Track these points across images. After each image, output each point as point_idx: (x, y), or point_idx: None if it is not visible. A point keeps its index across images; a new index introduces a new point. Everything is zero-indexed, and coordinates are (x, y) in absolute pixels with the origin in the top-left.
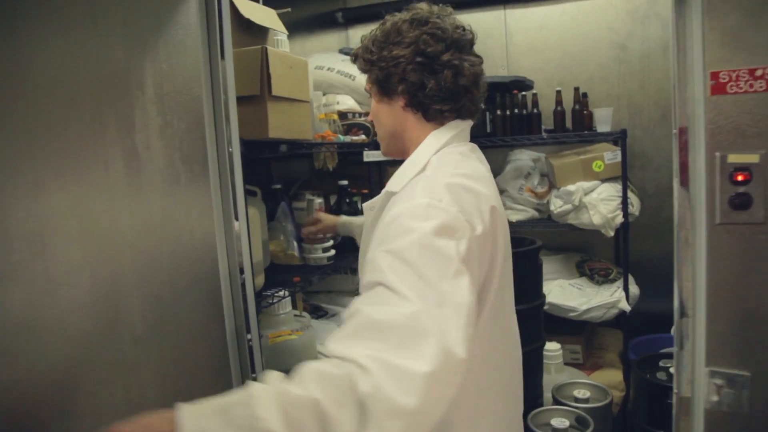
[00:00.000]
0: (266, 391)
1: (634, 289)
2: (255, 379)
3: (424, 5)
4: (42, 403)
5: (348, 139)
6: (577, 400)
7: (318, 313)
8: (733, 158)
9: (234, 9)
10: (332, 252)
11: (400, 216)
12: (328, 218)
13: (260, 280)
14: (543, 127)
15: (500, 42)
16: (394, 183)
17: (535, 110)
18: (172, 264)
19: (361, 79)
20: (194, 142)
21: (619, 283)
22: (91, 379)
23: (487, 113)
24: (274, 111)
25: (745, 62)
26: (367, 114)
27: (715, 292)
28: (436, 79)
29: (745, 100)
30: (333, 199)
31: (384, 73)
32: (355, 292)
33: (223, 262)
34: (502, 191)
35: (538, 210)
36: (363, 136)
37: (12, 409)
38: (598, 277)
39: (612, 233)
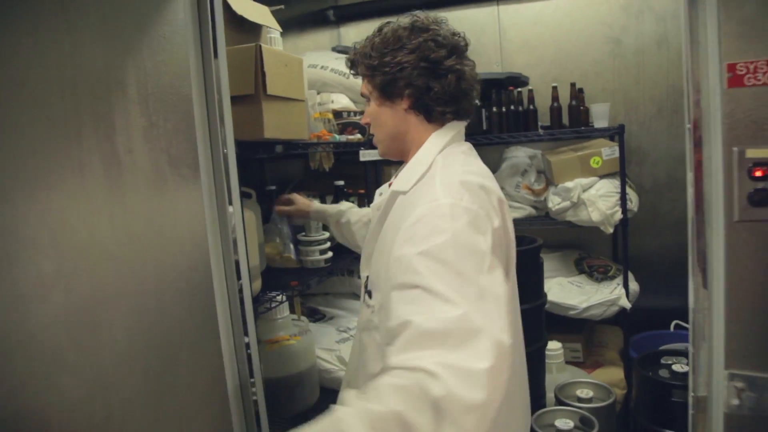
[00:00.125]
0: (351, 414)
1: (633, 285)
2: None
3: (420, 13)
4: (12, 427)
5: (344, 138)
6: (580, 399)
7: (315, 316)
8: (752, 153)
9: (226, 6)
10: (329, 254)
11: (426, 216)
12: (302, 202)
13: (257, 284)
14: (539, 123)
15: (494, 38)
16: (401, 183)
17: (531, 107)
18: (158, 274)
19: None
20: (183, 143)
21: (619, 280)
22: (67, 398)
23: (483, 110)
24: (270, 110)
25: (763, 53)
26: (362, 113)
27: (734, 291)
28: (441, 83)
29: (764, 92)
30: (329, 200)
31: (388, 77)
32: (353, 295)
33: (219, 268)
34: None
35: (535, 207)
36: (359, 135)
37: None
38: (598, 274)
39: (611, 230)
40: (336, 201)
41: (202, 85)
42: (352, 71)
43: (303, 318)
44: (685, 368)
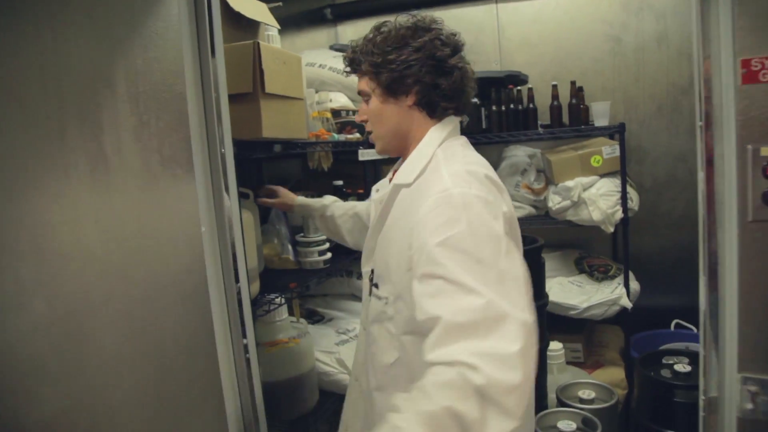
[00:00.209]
0: (407, 419)
1: (634, 285)
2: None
3: (418, 13)
4: None
5: (343, 137)
6: (582, 401)
7: (314, 317)
8: (767, 151)
9: (224, 2)
10: (328, 255)
11: (440, 206)
12: (287, 195)
13: (255, 287)
14: (539, 122)
15: (492, 37)
16: (403, 176)
17: (531, 105)
18: (149, 278)
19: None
20: (177, 143)
21: (620, 279)
22: (48, 411)
23: (482, 109)
24: (268, 109)
25: None
26: None
27: (747, 293)
28: (447, 79)
29: None
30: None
31: (395, 74)
32: (352, 296)
33: (216, 271)
34: None
35: (535, 207)
36: (357, 135)
37: None
38: (598, 273)
39: (612, 229)
40: None
41: (199, 83)
42: (348, 69)
43: (302, 320)
44: (687, 368)
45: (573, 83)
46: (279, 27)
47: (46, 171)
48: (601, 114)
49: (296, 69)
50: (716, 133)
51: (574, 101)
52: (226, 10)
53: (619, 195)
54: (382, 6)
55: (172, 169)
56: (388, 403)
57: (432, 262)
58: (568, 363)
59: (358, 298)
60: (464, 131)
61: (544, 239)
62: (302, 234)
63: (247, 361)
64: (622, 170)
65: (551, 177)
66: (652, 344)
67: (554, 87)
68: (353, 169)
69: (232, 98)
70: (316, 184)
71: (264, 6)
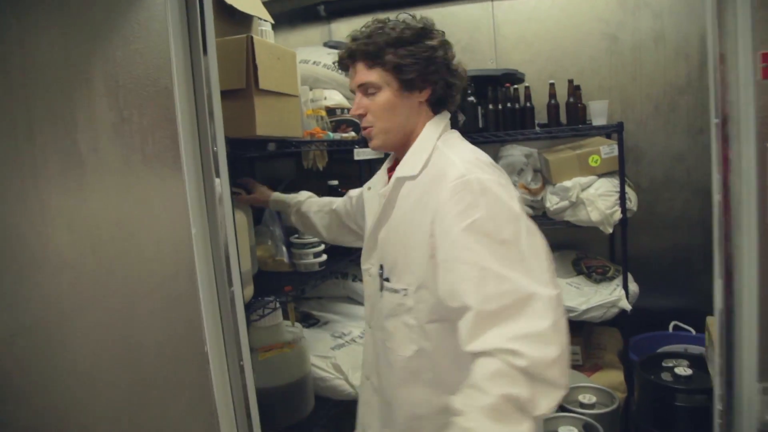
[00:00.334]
0: (473, 418)
1: (633, 286)
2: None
3: (416, 14)
4: None
5: (338, 136)
6: (582, 405)
7: (309, 321)
8: None
9: None
10: (324, 257)
11: (458, 193)
12: (263, 191)
13: (249, 290)
14: (536, 121)
15: (488, 34)
16: (407, 168)
17: (528, 104)
18: (128, 286)
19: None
20: (162, 140)
21: (618, 280)
22: (12, 429)
23: (479, 107)
24: (262, 106)
25: None
26: None
27: None
28: (455, 78)
29: None
30: None
31: (419, 69)
32: (348, 298)
33: (208, 275)
34: None
35: (531, 207)
36: (353, 133)
37: None
38: (596, 275)
39: (611, 230)
40: None
41: (189, 78)
42: (363, 59)
43: (297, 324)
44: (688, 371)
45: (570, 82)
46: (273, 21)
47: (11, 170)
48: (599, 113)
49: (291, 65)
50: (732, 131)
51: (571, 100)
52: (218, 3)
53: (617, 195)
54: (375, 3)
55: (157, 169)
56: (412, 397)
57: (457, 247)
58: None
59: (354, 301)
60: (461, 130)
61: None
62: (297, 235)
63: (241, 368)
64: (620, 170)
65: (548, 177)
66: (650, 346)
67: (551, 86)
68: (348, 168)
69: (224, 95)
70: (311, 184)
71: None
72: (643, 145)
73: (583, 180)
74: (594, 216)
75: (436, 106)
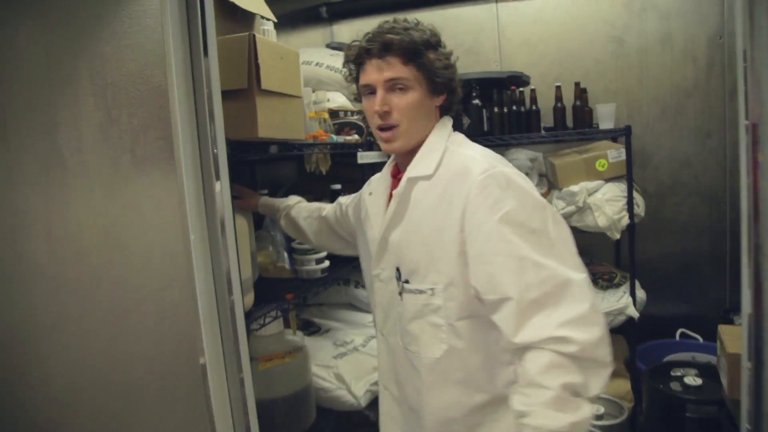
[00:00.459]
0: (542, 415)
1: (640, 293)
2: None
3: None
4: None
5: (341, 139)
6: None
7: (310, 329)
8: None
9: None
10: (326, 263)
11: (486, 187)
12: (252, 196)
13: (249, 299)
14: (542, 124)
15: (492, 37)
16: (420, 169)
17: (534, 107)
18: (114, 296)
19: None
20: (154, 142)
21: (625, 287)
22: None
23: (484, 111)
24: (264, 107)
25: None
26: (360, 112)
27: None
28: (460, 86)
29: None
30: None
31: (445, 74)
32: (349, 305)
33: (206, 283)
34: None
35: None
36: (356, 136)
37: None
38: (602, 281)
39: (618, 236)
40: None
41: (189, 76)
42: (384, 50)
43: (298, 332)
44: (698, 381)
45: (577, 84)
46: (275, 20)
47: None
48: (606, 116)
49: (294, 65)
50: (763, 134)
51: (578, 103)
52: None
53: (625, 200)
54: (378, 5)
55: (149, 171)
56: (442, 400)
57: (492, 239)
58: None
59: (357, 308)
60: (466, 133)
61: None
62: (299, 241)
63: (241, 381)
64: (628, 175)
65: (555, 181)
66: (657, 355)
67: (558, 88)
68: (351, 172)
69: (225, 95)
70: (313, 188)
71: None
72: (650, 149)
73: (590, 185)
74: (601, 221)
75: (447, 112)
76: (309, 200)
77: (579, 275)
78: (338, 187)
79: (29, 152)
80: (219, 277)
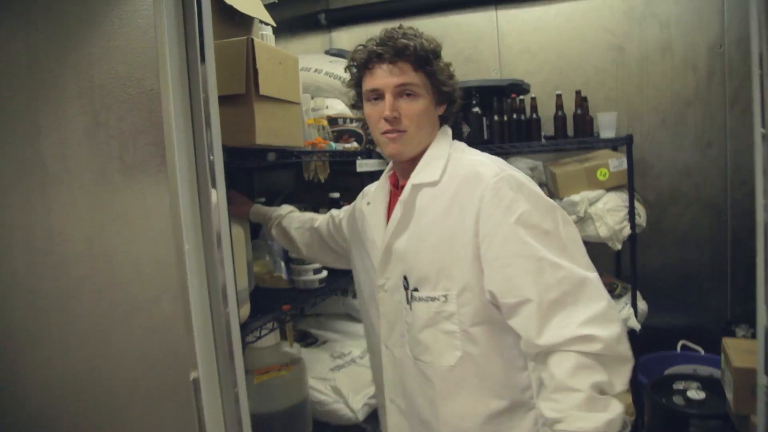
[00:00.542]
0: (577, 417)
1: (642, 305)
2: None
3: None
4: None
5: (340, 147)
6: None
7: (307, 340)
8: None
9: None
10: (324, 274)
11: (499, 191)
12: (244, 203)
13: (245, 310)
14: (542, 132)
15: (492, 44)
16: (425, 175)
17: (534, 115)
18: (98, 311)
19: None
20: (145, 147)
21: (626, 299)
22: None
23: (484, 119)
24: (262, 113)
25: None
26: (359, 119)
27: None
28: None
29: None
30: (323, 213)
31: (450, 84)
32: (347, 315)
33: (201, 295)
34: None
35: None
36: (355, 144)
37: None
38: None
39: (619, 246)
40: None
41: (185, 80)
42: (396, 56)
43: (295, 345)
44: (701, 394)
45: (578, 93)
46: (275, 24)
47: None
48: (607, 125)
49: (293, 70)
50: None
51: (579, 112)
52: (218, 3)
53: (626, 210)
54: (377, 12)
55: (139, 179)
56: (456, 410)
57: (509, 242)
58: None
59: (354, 318)
60: (467, 142)
61: None
62: None
63: (236, 395)
64: (629, 184)
65: (555, 191)
66: (658, 367)
67: (558, 97)
68: (349, 180)
69: (222, 100)
70: (311, 197)
71: (258, 1)
72: (650, 158)
73: (591, 194)
74: (603, 232)
75: (445, 122)
76: (306, 209)
77: (592, 274)
78: (336, 195)
79: (8, 158)
80: (214, 288)
